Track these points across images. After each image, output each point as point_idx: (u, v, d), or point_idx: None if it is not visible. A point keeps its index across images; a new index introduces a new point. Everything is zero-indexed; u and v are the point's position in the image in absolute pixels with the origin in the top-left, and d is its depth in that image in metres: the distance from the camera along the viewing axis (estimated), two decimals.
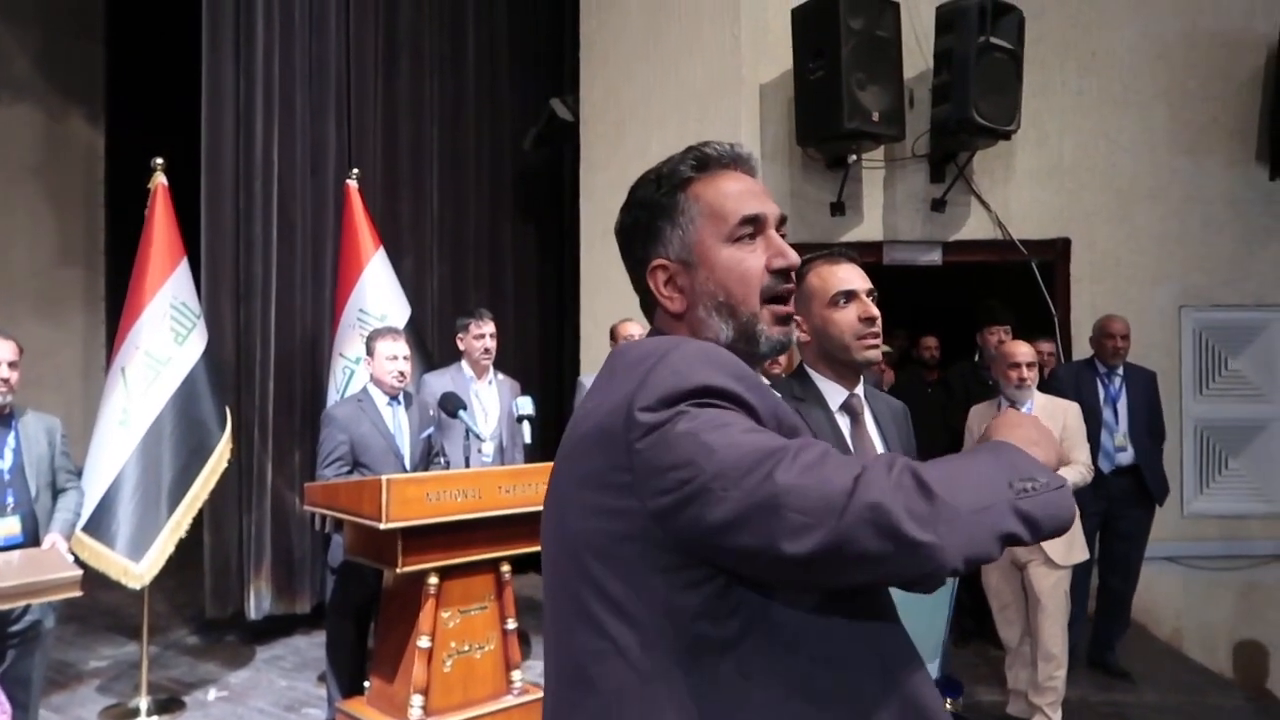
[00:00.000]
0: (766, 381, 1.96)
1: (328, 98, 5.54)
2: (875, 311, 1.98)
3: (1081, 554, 3.95)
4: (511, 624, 3.71)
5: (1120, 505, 4.67)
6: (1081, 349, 5.40)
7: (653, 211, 1.19)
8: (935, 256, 5.86)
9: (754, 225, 1.16)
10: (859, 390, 2.04)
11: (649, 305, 1.21)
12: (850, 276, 2.01)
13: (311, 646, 5.22)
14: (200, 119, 5.03)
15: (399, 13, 6.08)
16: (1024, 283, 5.82)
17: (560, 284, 7.04)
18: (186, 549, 4.79)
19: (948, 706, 1.35)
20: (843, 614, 1.03)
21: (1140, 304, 5.71)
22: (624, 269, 1.26)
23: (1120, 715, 4.37)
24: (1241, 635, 5.71)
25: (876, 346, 1.99)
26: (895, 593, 1.40)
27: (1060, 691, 3.90)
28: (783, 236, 1.20)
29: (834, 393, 2.01)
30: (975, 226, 5.78)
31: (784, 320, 1.17)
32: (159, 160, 4.31)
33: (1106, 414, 4.67)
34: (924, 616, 1.38)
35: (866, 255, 5.73)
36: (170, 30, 6.18)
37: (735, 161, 1.21)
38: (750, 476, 0.92)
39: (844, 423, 2.00)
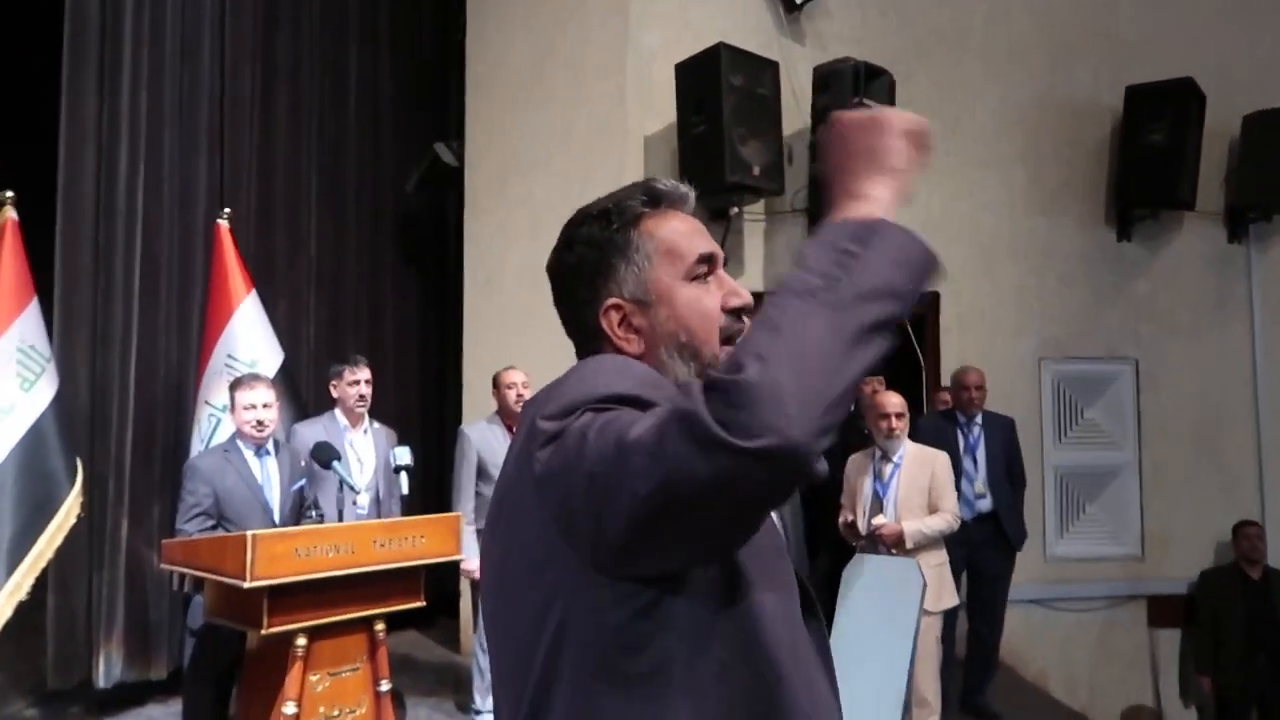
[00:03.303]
0: None
1: (199, 134, 5.33)
2: None
3: (951, 599, 4.06)
4: (385, 685, 3.55)
5: (982, 550, 4.79)
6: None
7: (604, 249, 1.12)
8: None
9: (709, 264, 1.13)
10: None
11: (592, 349, 1.13)
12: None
13: (167, 716, 4.86)
14: (58, 152, 4.75)
15: (277, 47, 5.93)
16: (896, 334, 6.04)
17: (443, 330, 6.92)
18: (28, 613, 4.42)
19: None
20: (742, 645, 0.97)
21: (1003, 355, 5.99)
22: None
23: None
24: (1100, 673, 5.98)
25: None
26: (856, 645, 1.39)
27: None
28: None
29: None
30: None
31: None
32: (9, 193, 4.04)
33: (966, 463, 4.85)
34: (881, 666, 1.36)
35: None
36: (25, 55, 5.85)
37: (682, 201, 1.17)
38: (607, 454, 0.87)
39: None
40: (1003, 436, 5.01)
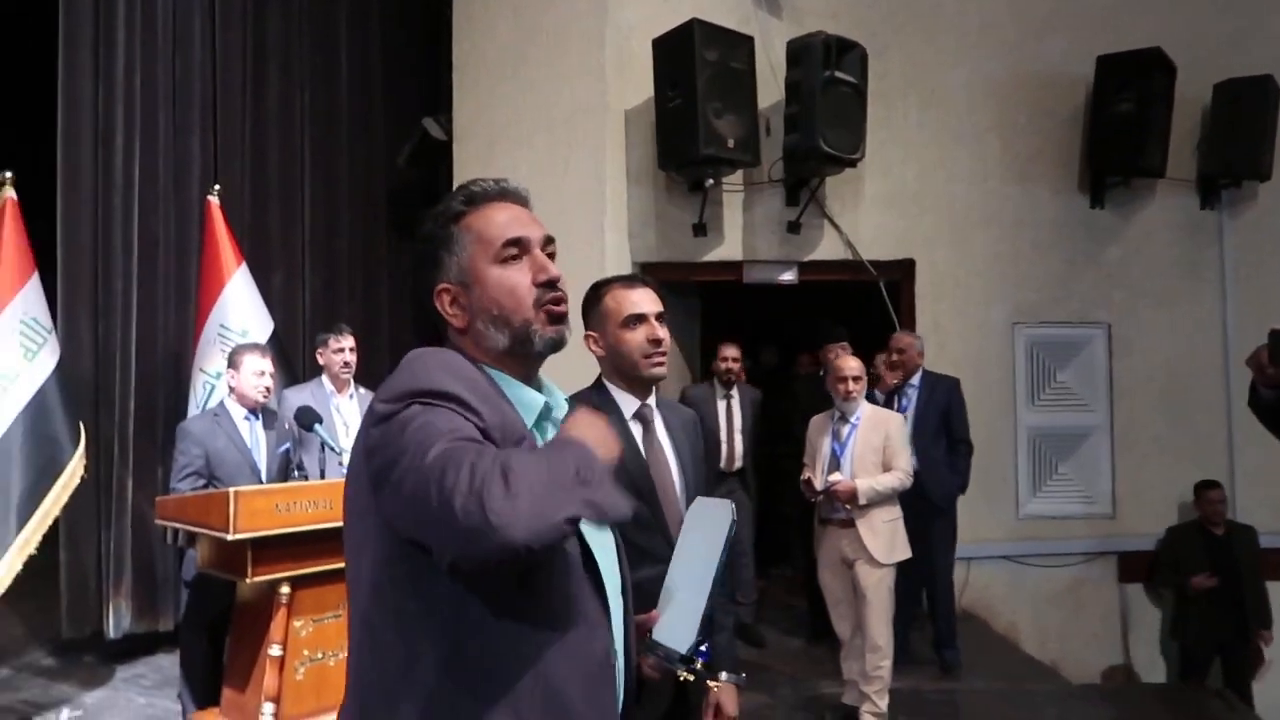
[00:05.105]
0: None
1: (192, 112, 5.53)
2: (661, 334, 2.18)
3: (903, 553, 4.25)
4: None
5: (913, 510, 4.64)
6: (927, 363, 5.78)
7: (432, 243, 1.38)
8: (791, 276, 6.20)
9: (518, 247, 1.36)
10: (650, 401, 2.24)
11: (440, 324, 1.39)
12: (642, 300, 2.19)
13: (174, 664, 5.12)
14: (56, 134, 4.98)
15: (267, 26, 6.10)
16: (874, 300, 6.21)
17: None
18: (44, 569, 4.72)
19: (698, 666, 1.57)
20: (515, 603, 1.21)
21: (977, 320, 6.17)
22: None
23: (948, 702, 4.74)
24: (1069, 628, 6.19)
25: (661, 364, 2.19)
26: (679, 576, 1.61)
27: (886, 680, 4.20)
28: (550, 255, 1.40)
29: (627, 403, 2.21)
30: (828, 248, 6.14)
31: (556, 319, 1.36)
32: (8, 174, 4.27)
33: None
34: (691, 591, 1.60)
35: (727, 274, 6.12)
36: (23, 40, 6.06)
37: (502, 195, 1.40)
38: (414, 460, 1.10)
39: (636, 430, 2.20)
40: (941, 397, 5.10)
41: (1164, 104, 5.86)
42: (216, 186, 5.15)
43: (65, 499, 4.30)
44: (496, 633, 1.19)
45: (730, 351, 5.66)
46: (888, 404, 5.05)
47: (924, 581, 5.11)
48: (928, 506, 4.94)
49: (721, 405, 5.62)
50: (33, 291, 4.26)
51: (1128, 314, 6.26)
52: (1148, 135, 5.83)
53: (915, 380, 5.14)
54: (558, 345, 1.38)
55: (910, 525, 4.41)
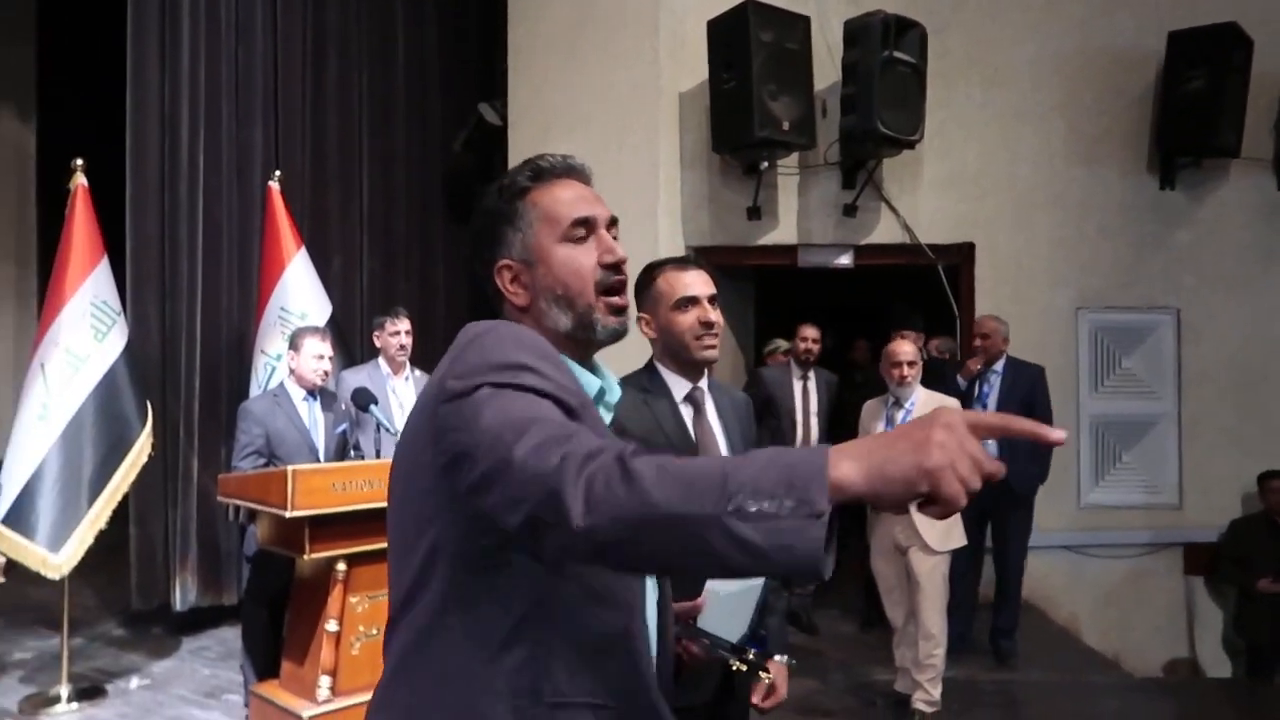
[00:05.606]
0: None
1: (254, 100, 5.65)
2: (713, 317, 2.16)
3: (958, 540, 4.18)
4: None
5: (991, 499, 4.72)
6: None
7: (496, 218, 1.32)
8: (847, 259, 6.12)
9: (585, 227, 1.31)
10: (702, 384, 2.23)
11: (498, 300, 1.35)
12: (694, 283, 2.17)
13: (238, 637, 5.26)
14: (125, 124, 5.13)
15: (327, 15, 6.20)
16: (932, 284, 6.10)
17: None
18: (115, 544, 4.90)
19: (750, 656, 1.57)
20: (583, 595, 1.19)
21: (1039, 305, 6.02)
22: None
23: (1003, 693, 4.66)
24: (1132, 620, 6.03)
25: (713, 347, 2.17)
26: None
27: (939, 668, 4.14)
28: (614, 237, 1.36)
29: (678, 386, 2.20)
30: (885, 231, 6.04)
31: (618, 310, 1.32)
32: (79, 161, 4.41)
33: (976, 409, 4.87)
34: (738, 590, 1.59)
35: (782, 258, 6.07)
36: (99, 32, 6.24)
37: (568, 171, 1.35)
38: (497, 445, 1.05)
39: (687, 413, 2.19)
40: (1024, 384, 4.99)
41: (1239, 81, 5.64)
42: (278, 173, 5.26)
43: (134, 476, 4.45)
44: (558, 605, 1.17)
45: (810, 332, 5.55)
46: (969, 390, 4.97)
47: (995, 569, 5.04)
48: (1008, 496, 4.86)
49: (798, 386, 5.53)
50: (103, 275, 4.41)
51: (1198, 299, 6.05)
52: (1221, 113, 5.61)
53: (998, 366, 5.03)
54: (619, 335, 1.35)
55: (988, 513, 4.31)
